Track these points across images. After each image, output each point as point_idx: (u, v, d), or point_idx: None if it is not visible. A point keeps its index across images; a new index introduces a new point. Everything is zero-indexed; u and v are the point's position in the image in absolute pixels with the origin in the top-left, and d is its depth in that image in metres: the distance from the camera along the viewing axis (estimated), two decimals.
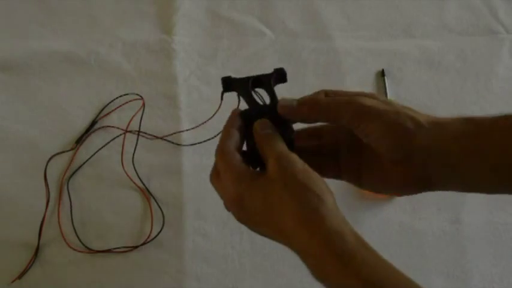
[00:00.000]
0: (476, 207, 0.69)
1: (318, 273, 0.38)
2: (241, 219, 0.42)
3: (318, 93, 0.44)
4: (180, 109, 0.70)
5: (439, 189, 0.42)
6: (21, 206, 0.64)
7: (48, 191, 0.65)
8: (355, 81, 0.74)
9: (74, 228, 0.64)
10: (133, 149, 0.67)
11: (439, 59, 0.76)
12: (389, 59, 0.76)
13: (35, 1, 0.74)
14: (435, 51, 0.77)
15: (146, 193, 0.66)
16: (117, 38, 0.74)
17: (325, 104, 0.42)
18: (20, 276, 0.61)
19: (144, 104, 0.69)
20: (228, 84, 0.46)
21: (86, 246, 0.63)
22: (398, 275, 0.36)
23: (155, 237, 0.64)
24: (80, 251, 0.63)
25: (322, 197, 0.38)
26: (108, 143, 0.68)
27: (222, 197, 0.44)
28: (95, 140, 0.68)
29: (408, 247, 0.67)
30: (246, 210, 0.41)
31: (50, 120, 0.69)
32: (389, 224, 0.67)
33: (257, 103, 0.46)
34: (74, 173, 0.66)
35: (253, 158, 0.44)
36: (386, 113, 0.41)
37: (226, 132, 0.44)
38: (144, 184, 0.66)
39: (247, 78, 0.46)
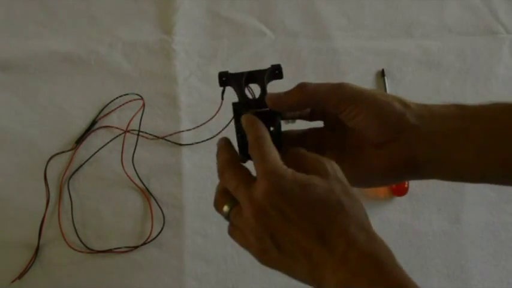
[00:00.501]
0: (476, 207, 0.69)
1: None
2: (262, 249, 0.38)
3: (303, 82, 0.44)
4: (180, 109, 0.70)
5: (424, 176, 0.42)
6: (21, 206, 0.64)
7: (48, 191, 0.65)
8: (355, 81, 0.73)
9: (75, 228, 0.64)
10: (134, 149, 0.67)
11: (439, 59, 0.76)
12: (389, 59, 0.76)
13: (34, 1, 0.74)
14: (435, 51, 0.77)
15: (146, 193, 0.66)
16: (117, 38, 0.73)
17: (312, 88, 0.42)
18: (20, 276, 0.61)
19: (144, 104, 0.69)
20: (224, 79, 0.46)
21: (86, 246, 0.63)
22: None
23: (156, 237, 0.64)
24: (80, 251, 0.63)
25: (374, 234, 0.37)
26: (108, 143, 0.68)
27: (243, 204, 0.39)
28: (95, 140, 0.68)
29: (408, 247, 0.67)
30: (274, 217, 0.36)
31: (50, 120, 0.69)
32: (389, 224, 0.67)
33: (247, 97, 0.46)
34: (74, 173, 0.66)
35: (244, 150, 0.43)
36: (373, 94, 0.41)
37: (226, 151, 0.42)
38: (144, 184, 0.66)
39: (242, 74, 0.46)
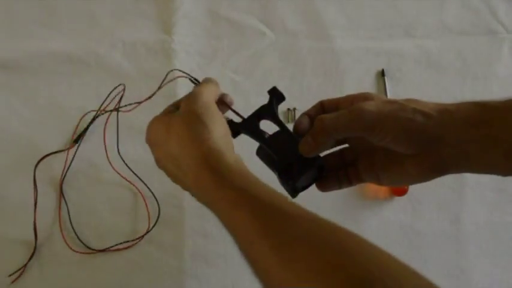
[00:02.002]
0: (476, 207, 0.69)
1: (199, 190, 0.41)
2: (150, 147, 0.47)
3: (315, 107, 0.47)
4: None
5: (455, 173, 0.43)
6: (20, 205, 0.64)
7: (36, 190, 0.65)
8: (355, 81, 0.74)
9: (73, 228, 0.64)
10: (117, 145, 0.67)
11: (439, 59, 0.76)
12: (389, 59, 0.76)
13: (35, 1, 0.74)
14: (435, 51, 0.77)
15: (140, 190, 0.66)
16: (117, 38, 0.73)
17: (332, 124, 0.43)
18: (19, 276, 0.61)
19: (124, 89, 0.68)
20: (234, 130, 0.47)
21: (86, 246, 0.63)
22: (273, 190, 0.40)
23: (150, 230, 0.64)
24: (78, 252, 0.62)
25: (209, 125, 0.43)
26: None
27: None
28: (94, 139, 0.68)
29: (408, 247, 0.67)
30: (152, 140, 0.47)
31: (49, 120, 0.69)
32: (389, 224, 0.67)
33: (276, 145, 0.46)
34: (72, 172, 0.66)
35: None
36: (393, 114, 0.42)
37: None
38: (141, 180, 0.66)
39: (251, 119, 0.47)
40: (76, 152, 0.67)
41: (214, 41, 0.75)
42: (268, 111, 0.48)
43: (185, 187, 0.45)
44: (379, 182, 0.47)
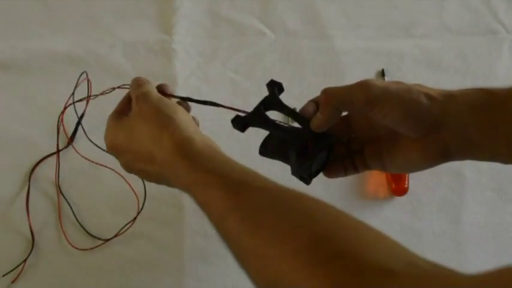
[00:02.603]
0: (476, 207, 0.69)
1: (176, 180, 0.43)
2: (115, 154, 0.49)
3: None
4: None
5: (458, 160, 0.43)
6: (19, 205, 0.64)
7: (29, 189, 0.65)
8: (355, 81, 0.73)
9: (71, 224, 0.63)
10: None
11: (439, 58, 0.76)
12: (389, 59, 0.76)
13: (35, 1, 0.74)
14: (435, 51, 0.77)
15: (133, 188, 0.66)
16: (117, 38, 0.73)
17: (335, 90, 0.44)
18: (18, 275, 0.61)
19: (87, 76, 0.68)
20: (242, 124, 0.46)
21: (84, 242, 0.63)
22: (244, 167, 0.41)
23: (138, 214, 0.64)
24: (78, 249, 0.62)
25: (173, 116, 0.45)
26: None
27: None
28: (93, 138, 0.68)
29: (408, 247, 0.67)
30: (116, 146, 0.48)
31: (49, 120, 0.69)
32: (389, 224, 0.67)
33: (288, 128, 0.46)
34: (71, 171, 0.66)
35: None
36: (398, 92, 0.41)
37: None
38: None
39: (258, 109, 0.47)
40: (73, 150, 0.67)
41: (214, 41, 0.75)
42: (272, 100, 0.47)
43: (160, 180, 0.46)
44: (384, 168, 0.47)
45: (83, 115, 0.68)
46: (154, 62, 0.73)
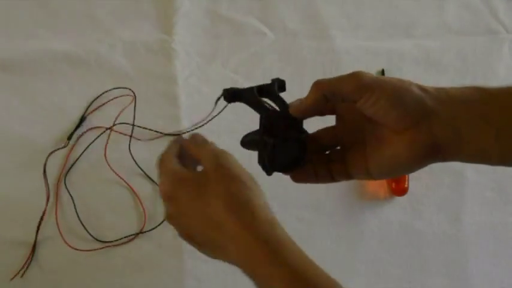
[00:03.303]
0: (476, 207, 0.69)
1: (247, 263, 0.39)
2: (172, 215, 0.44)
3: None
4: (180, 109, 0.70)
5: (445, 160, 0.41)
6: (18, 204, 0.64)
7: (48, 188, 0.65)
8: None
9: (71, 226, 0.63)
10: (115, 147, 0.67)
11: (439, 58, 0.76)
12: (389, 59, 0.76)
13: (35, 1, 0.74)
14: (435, 51, 0.77)
15: (136, 190, 0.66)
16: (117, 38, 0.73)
17: (326, 80, 0.43)
18: (17, 274, 0.61)
19: (135, 98, 0.69)
20: (232, 95, 0.46)
21: (85, 244, 0.63)
22: (321, 272, 0.38)
23: (150, 230, 0.64)
24: (77, 249, 0.62)
25: (255, 191, 0.41)
26: (94, 140, 0.68)
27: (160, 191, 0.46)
28: (91, 137, 0.68)
29: (408, 247, 0.67)
30: (177, 204, 0.43)
31: (49, 120, 0.69)
32: (389, 224, 0.67)
33: (270, 107, 0.46)
34: (69, 170, 0.66)
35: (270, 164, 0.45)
36: (390, 81, 0.41)
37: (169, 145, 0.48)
38: (145, 173, 0.66)
39: (251, 88, 0.47)
40: (74, 150, 0.67)
41: (214, 41, 0.75)
42: (269, 89, 0.47)
43: (220, 255, 0.43)
44: (369, 174, 0.45)
45: (84, 117, 0.69)
46: (154, 62, 0.73)
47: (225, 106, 0.50)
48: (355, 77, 0.41)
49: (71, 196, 0.65)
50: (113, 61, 0.72)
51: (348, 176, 0.47)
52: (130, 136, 0.68)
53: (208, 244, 0.43)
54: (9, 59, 0.71)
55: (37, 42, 0.72)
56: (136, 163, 0.67)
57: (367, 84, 0.41)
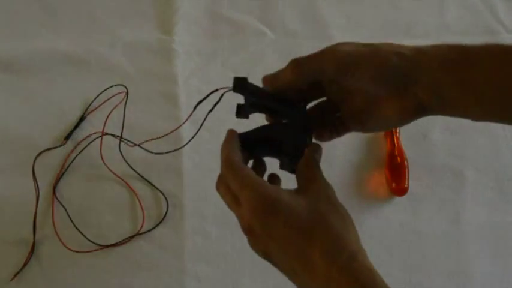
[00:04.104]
0: (476, 207, 0.69)
1: None
2: (256, 240, 0.41)
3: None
4: (180, 109, 0.70)
5: (432, 115, 0.43)
6: (16, 203, 0.64)
7: (38, 187, 0.64)
8: None
9: (69, 226, 0.63)
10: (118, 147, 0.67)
11: None
12: None
13: (35, 1, 0.75)
14: None
15: (135, 190, 0.66)
16: (117, 38, 0.74)
17: (305, 60, 0.44)
18: (17, 274, 0.61)
19: (127, 94, 0.68)
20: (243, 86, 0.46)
21: (83, 244, 0.63)
22: None
23: (148, 231, 0.64)
24: (75, 251, 0.62)
25: (356, 253, 0.38)
26: (92, 141, 0.68)
27: (237, 217, 0.42)
28: (90, 137, 0.68)
29: (408, 247, 0.67)
30: (265, 234, 0.40)
31: (49, 120, 0.69)
32: (389, 224, 0.67)
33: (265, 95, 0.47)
34: (69, 171, 0.66)
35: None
36: (367, 55, 0.42)
37: (230, 146, 0.44)
38: (142, 176, 0.66)
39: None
40: (70, 149, 0.67)
41: (214, 41, 0.75)
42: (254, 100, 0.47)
43: (302, 284, 0.40)
44: (363, 128, 0.47)
45: (84, 117, 0.69)
46: (154, 62, 0.73)
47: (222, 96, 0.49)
48: (334, 57, 0.42)
49: (60, 202, 0.65)
50: (113, 61, 0.72)
51: (347, 129, 0.49)
52: (120, 137, 0.67)
53: (289, 272, 0.40)
54: (9, 58, 0.71)
55: (37, 42, 0.72)
56: (128, 164, 0.67)
57: (347, 64, 0.42)
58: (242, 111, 0.47)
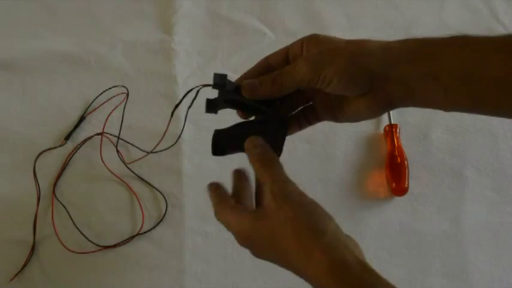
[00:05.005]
0: (476, 207, 0.69)
1: None
2: (254, 254, 0.45)
3: (260, 66, 0.51)
4: (179, 109, 0.70)
5: (402, 107, 0.45)
6: (17, 203, 0.64)
7: (39, 187, 0.65)
8: None
9: (69, 227, 0.63)
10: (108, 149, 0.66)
11: None
12: None
13: (34, 1, 0.74)
14: None
15: (134, 190, 0.66)
16: (117, 38, 0.74)
17: (280, 76, 0.46)
18: (17, 274, 0.61)
19: (127, 95, 0.69)
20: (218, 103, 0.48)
21: (83, 245, 0.63)
22: None
23: (147, 231, 0.64)
24: (75, 252, 0.62)
25: (320, 227, 0.40)
26: (86, 140, 0.68)
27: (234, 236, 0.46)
28: (92, 137, 0.68)
29: (408, 247, 0.67)
30: (256, 247, 0.44)
31: (48, 120, 0.69)
32: (389, 224, 0.67)
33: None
34: (68, 171, 0.66)
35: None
36: (337, 57, 0.44)
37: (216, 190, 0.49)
38: (141, 178, 0.66)
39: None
40: (69, 149, 0.67)
41: (214, 41, 0.75)
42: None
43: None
44: (336, 120, 0.49)
45: (84, 117, 0.69)
46: (154, 62, 0.73)
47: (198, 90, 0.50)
48: (306, 70, 0.44)
49: (60, 201, 0.65)
50: (113, 61, 0.72)
51: (319, 119, 0.51)
52: (118, 137, 0.68)
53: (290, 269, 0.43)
54: (9, 58, 0.71)
55: (37, 42, 0.72)
56: (126, 166, 0.67)
57: (318, 74, 0.43)
58: (212, 107, 0.48)
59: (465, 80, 0.40)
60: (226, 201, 0.47)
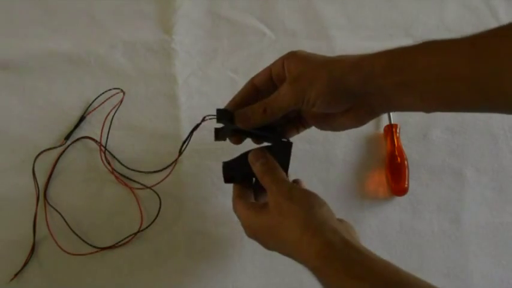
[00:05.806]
0: (476, 207, 0.69)
1: (316, 274, 0.44)
2: (261, 245, 0.52)
3: (247, 89, 0.54)
4: (180, 109, 0.70)
5: (382, 114, 0.50)
6: (16, 203, 0.64)
7: (38, 187, 0.65)
8: None
9: (67, 228, 0.63)
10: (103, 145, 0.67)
11: None
12: None
13: (34, 1, 0.74)
14: None
15: (133, 190, 0.66)
16: (117, 38, 0.73)
17: (270, 103, 0.50)
18: (17, 274, 0.61)
19: (123, 97, 0.69)
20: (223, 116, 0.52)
21: (81, 247, 0.63)
22: (387, 265, 0.46)
23: (145, 228, 0.64)
24: (74, 254, 0.62)
25: (309, 215, 0.46)
26: (89, 142, 0.68)
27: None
28: (91, 137, 0.68)
29: (408, 247, 0.67)
30: (261, 239, 0.51)
31: (48, 120, 0.69)
32: (389, 224, 0.67)
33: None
34: (68, 171, 0.66)
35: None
36: (318, 81, 0.46)
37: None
38: (139, 181, 0.66)
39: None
40: (68, 149, 0.67)
41: (214, 41, 0.75)
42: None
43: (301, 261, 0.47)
44: (322, 129, 0.54)
45: (83, 117, 0.69)
46: (154, 62, 0.73)
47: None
48: (291, 96, 0.48)
49: (52, 207, 0.65)
50: (113, 61, 0.72)
51: (307, 126, 0.56)
52: (106, 138, 0.67)
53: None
54: (8, 58, 0.71)
55: (36, 41, 0.72)
56: (125, 166, 0.67)
57: (300, 94, 0.47)
58: (220, 136, 0.53)
59: (437, 83, 0.42)
60: (243, 196, 0.53)
